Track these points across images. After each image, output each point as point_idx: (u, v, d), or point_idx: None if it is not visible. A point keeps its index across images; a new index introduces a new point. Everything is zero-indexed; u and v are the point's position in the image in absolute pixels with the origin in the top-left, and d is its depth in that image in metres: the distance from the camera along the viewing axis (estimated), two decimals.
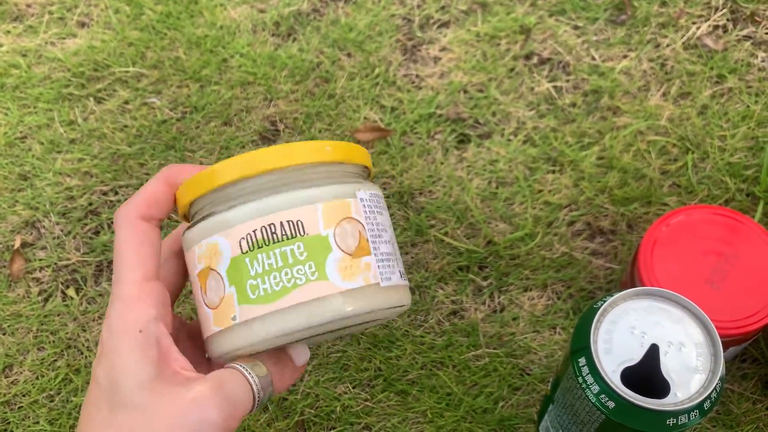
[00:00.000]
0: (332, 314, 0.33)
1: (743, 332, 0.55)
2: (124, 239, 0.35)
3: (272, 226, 0.33)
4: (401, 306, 0.36)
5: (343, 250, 0.34)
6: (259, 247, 0.33)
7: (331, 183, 0.35)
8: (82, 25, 0.83)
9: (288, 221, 0.34)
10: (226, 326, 0.34)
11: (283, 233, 0.33)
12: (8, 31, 0.82)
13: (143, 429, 0.31)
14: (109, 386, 0.32)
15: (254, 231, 0.33)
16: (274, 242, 0.33)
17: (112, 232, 0.69)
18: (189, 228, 0.36)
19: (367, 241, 0.35)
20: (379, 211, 0.37)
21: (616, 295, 0.43)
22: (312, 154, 0.35)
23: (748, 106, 0.72)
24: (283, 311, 0.33)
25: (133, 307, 0.34)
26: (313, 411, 0.61)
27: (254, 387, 0.34)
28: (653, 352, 0.41)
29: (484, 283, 0.66)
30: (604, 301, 0.43)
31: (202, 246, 0.35)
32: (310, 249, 0.33)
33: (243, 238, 0.34)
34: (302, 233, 0.34)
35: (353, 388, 0.62)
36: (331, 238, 0.34)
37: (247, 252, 0.33)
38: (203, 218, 0.35)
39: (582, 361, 0.42)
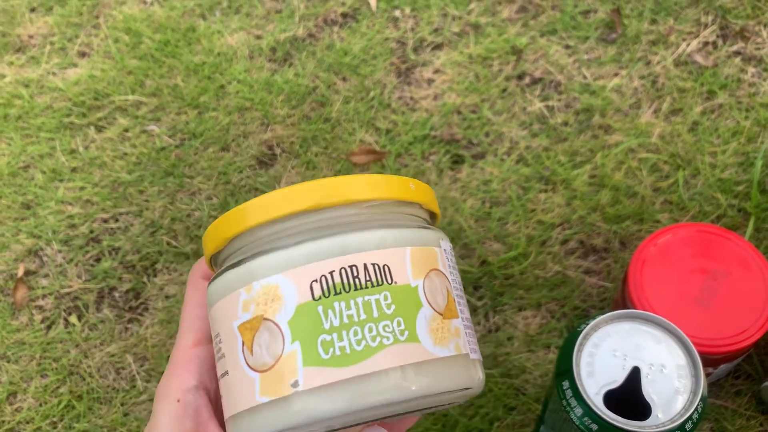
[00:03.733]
0: (426, 388, 0.27)
1: (734, 349, 0.55)
2: (186, 300, 0.33)
3: (354, 269, 0.27)
4: (482, 387, 0.31)
5: (433, 308, 0.28)
6: (336, 293, 0.27)
7: (416, 226, 0.30)
8: (83, 54, 0.85)
9: (374, 264, 0.27)
10: (280, 395, 0.27)
11: (368, 279, 0.27)
12: (11, 62, 0.84)
13: None
14: None
15: (331, 273, 0.27)
16: (356, 288, 0.27)
17: (113, 259, 0.71)
18: (228, 268, 0.29)
19: (454, 300, 0.30)
20: (455, 267, 0.32)
21: (599, 318, 0.44)
22: (397, 190, 0.30)
23: (738, 122, 0.73)
24: (364, 378, 0.26)
25: (177, 374, 0.32)
26: None
27: None
28: (635, 374, 0.42)
29: (479, 303, 0.67)
30: (587, 325, 0.44)
31: (253, 289, 0.28)
32: (398, 301, 0.27)
33: (316, 281, 0.27)
34: (390, 281, 0.27)
35: None
36: (421, 291, 0.28)
37: (320, 298, 0.27)
38: (255, 255, 0.28)
39: (566, 384, 0.42)
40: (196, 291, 0.33)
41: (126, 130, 0.79)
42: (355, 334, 0.26)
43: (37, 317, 0.69)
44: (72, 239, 0.73)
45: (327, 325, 0.27)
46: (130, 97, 0.81)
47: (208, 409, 0.32)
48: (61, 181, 0.76)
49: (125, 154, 0.77)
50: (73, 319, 0.69)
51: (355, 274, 0.27)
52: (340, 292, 0.27)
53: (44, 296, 0.70)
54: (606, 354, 0.43)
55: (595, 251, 0.68)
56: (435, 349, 0.27)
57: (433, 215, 0.33)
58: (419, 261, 0.29)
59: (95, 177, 0.76)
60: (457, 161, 0.74)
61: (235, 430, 0.28)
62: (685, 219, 0.68)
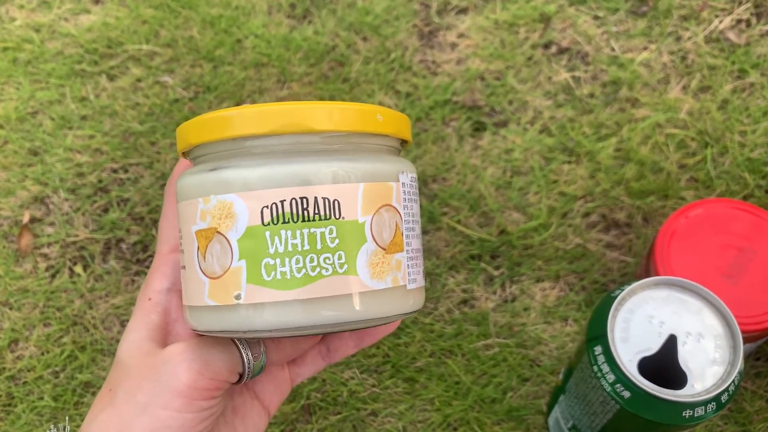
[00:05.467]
0: (354, 315, 0.29)
1: (759, 329, 0.54)
2: (164, 211, 0.35)
3: (305, 201, 0.29)
4: (415, 310, 0.33)
5: (377, 243, 0.30)
6: (284, 222, 0.29)
7: (376, 160, 0.30)
8: (96, 1, 0.82)
9: (324, 198, 0.29)
10: (224, 303, 0.29)
11: (316, 212, 0.29)
12: (22, 6, 0.82)
13: (121, 383, 0.31)
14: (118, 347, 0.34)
15: (282, 201, 0.28)
16: (304, 220, 0.29)
17: (121, 210, 0.69)
18: (193, 173, 0.31)
19: (402, 235, 0.31)
20: (414, 198, 0.32)
21: (635, 284, 0.42)
22: (362, 121, 0.30)
23: None
24: (299, 303, 0.29)
25: (152, 277, 0.34)
26: (319, 395, 0.61)
27: (245, 359, 0.32)
28: (671, 342, 0.40)
29: (496, 273, 0.65)
30: (622, 290, 0.42)
31: (210, 201, 0.29)
32: (343, 236, 0.29)
33: (267, 207, 0.29)
34: (338, 216, 0.29)
35: (361, 373, 0.61)
36: (368, 228, 0.30)
37: (269, 224, 0.29)
38: (217, 168, 0.30)
39: (598, 349, 0.41)
40: (174, 204, 0.34)
41: (139, 80, 0.76)
42: (297, 262, 0.29)
43: (42, 265, 0.67)
44: (79, 188, 0.71)
45: (272, 250, 0.29)
46: (144, 47, 0.78)
47: (178, 310, 0.34)
48: (70, 128, 0.74)
49: (137, 104, 0.75)
50: (78, 268, 0.67)
51: (305, 206, 0.29)
52: (288, 222, 0.29)
53: (49, 244, 0.68)
54: (642, 320, 0.41)
55: (617, 226, 0.67)
56: (371, 282, 0.29)
57: (404, 141, 0.34)
58: (371, 197, 0.30)
59: (105, 126, 0.74)
60: (479, 128, 0.72)
61: (188, 317, 0.31)
62: (710, 197, 0.67)
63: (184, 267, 0.31)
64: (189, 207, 0.30)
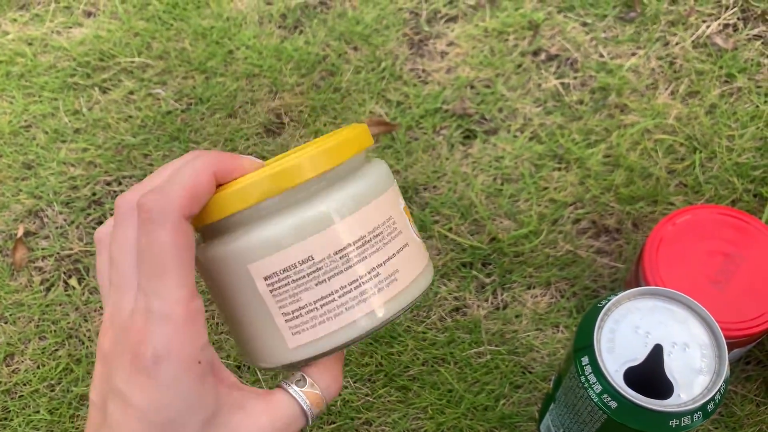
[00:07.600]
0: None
1: (748, 334, 0.55)
2: (165, 242, 0.28)
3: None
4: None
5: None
6: None
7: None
8: (89, 14, 0.82)
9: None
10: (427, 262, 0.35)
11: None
12: (14, 20, 0.82)
13: None
14: (163, 424, 0.28)
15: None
16: None
17: None
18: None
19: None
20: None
21: (621, 294, 0.43)
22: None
23: (757, 106, 0.72)
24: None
25: (186, 333, 0.28)
26: None
27: (305, 408, 0.31)
28: (657, 352, 0.41)
29: (488, 280, 0.66)
30: (608, 300, 0.42)
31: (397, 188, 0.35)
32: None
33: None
34: None
35: (354, 383, 0.62)
36: None
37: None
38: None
39: (585, 360, 0.41)
40: (180, 233, 0.28)
41: (131, 93, 0.77)
42: None
43: (37, 279, 0.67)
44: (73, 201, 0.71)
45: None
46: (137, 59, 0.79)
47: (217, 357, 0.30)
48: (63, 141, 0.74)
49: (130, 116, 0.75)
50: (73, 281, 0.67)
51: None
52: None
53: (44, 258, 0.69)
54: (627, 330, 0.42)
55: (607, 232, 0.67)
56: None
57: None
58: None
59: (99, 139, 0.74)
60: (469, 136, 0.73)
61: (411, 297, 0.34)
62: (699, 202, 0.67)
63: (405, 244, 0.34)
64: (393, 192, 0.34)
